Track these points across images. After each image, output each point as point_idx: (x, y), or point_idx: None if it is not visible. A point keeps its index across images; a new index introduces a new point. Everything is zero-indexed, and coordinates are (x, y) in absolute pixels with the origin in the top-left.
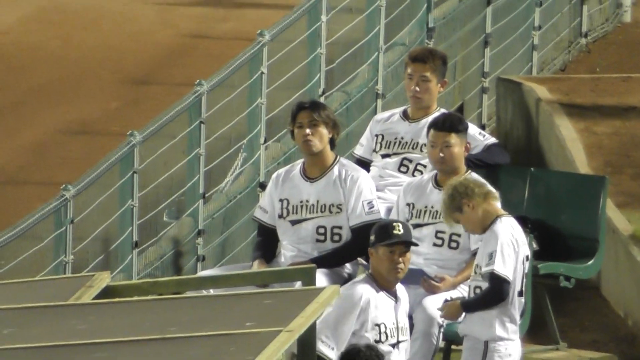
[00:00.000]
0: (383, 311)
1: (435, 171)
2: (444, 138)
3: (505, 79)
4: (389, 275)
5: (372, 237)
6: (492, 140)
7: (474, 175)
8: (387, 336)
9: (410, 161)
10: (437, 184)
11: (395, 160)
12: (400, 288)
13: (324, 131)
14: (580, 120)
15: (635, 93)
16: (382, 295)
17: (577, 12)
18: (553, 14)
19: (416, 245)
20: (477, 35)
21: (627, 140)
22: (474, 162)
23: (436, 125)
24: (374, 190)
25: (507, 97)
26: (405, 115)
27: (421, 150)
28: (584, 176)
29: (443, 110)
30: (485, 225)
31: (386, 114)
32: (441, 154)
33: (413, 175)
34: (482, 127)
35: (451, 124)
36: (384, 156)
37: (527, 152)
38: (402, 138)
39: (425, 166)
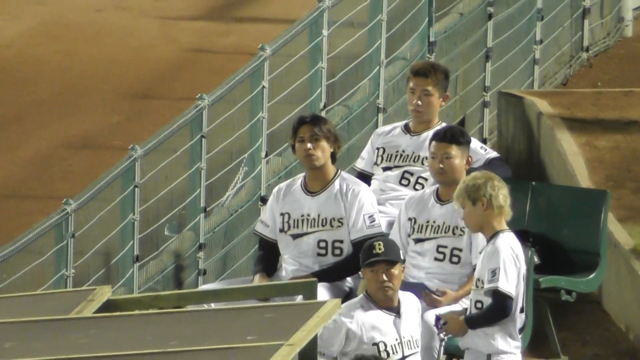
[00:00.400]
0: (381, 330)
1: (437, 185)
2: (444, 149)
3: (507, 93)
4: (377, 294)
5: (360, 259)
6: (494, 154)
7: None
8: (388, 354)
9: (412, 174)
10: (439, 198)
11: (396, 173)
12: (407, 300)
13: (325, 145)
14: (582, 134)
15: (636, 107)
16: (379, 313)
17: (578, 26)
18: (554, 28)
19: (396, 262)
20: (479, 49)
21: (629, 154)
22: None
23: (437, 136)
24: (375, 204)
25: (508, 111)
26: (406, 129)
27: (422, 164)
28: (586, 190)
29: (444, 124)
30: (483, 231)
31: (388, 127)
32: (441, 165)
33: (414, 189)
34: (484, 141)
35: (452, 136)
36: (385, 169)
37: (529, 166)
38: (403, 151)
39: (426, 179)
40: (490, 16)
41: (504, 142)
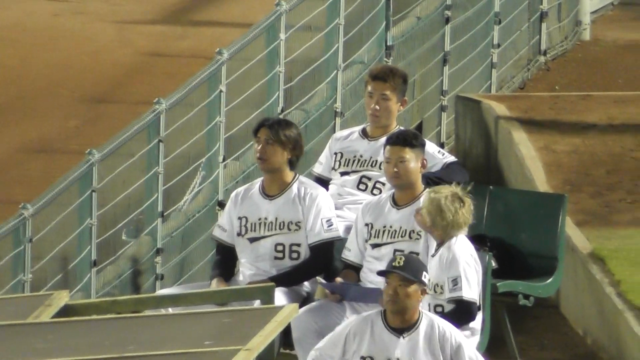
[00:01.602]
0: (372, 345)
1: (393, 190)
2: (398, 153)
3: (464, 97)
4: (386, 305)
5: None
6: (451, 158)
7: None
8: None
9: (369, 179)
10: (395, 203)
11: (354, 178)
12: (434, 329)
13: (279, 151)
14: (540, 138)
15: (594, 111)
16: (380, 329)
17: (536, 30)
18: (512, 32)
19: (413, 282)
20: (436, 53)
21: (587, 158)
22: (433, 181)
23: (391, 140)
24: (333, 208)
25: (466, 115)
26: (364, 134)
27: (380, 168)
28: (543, 194)
29: (402, 129)
30: (433, 235)
31: (345, 132)
32: (395, 169)
33: (372, 193)
34: (441, 145)
35: (405, 139)
36: (342, 174)
37: (487, 171)
38: (361, 156)
39: (384, 184)
40: (447, 20)
41: (461, 146)
